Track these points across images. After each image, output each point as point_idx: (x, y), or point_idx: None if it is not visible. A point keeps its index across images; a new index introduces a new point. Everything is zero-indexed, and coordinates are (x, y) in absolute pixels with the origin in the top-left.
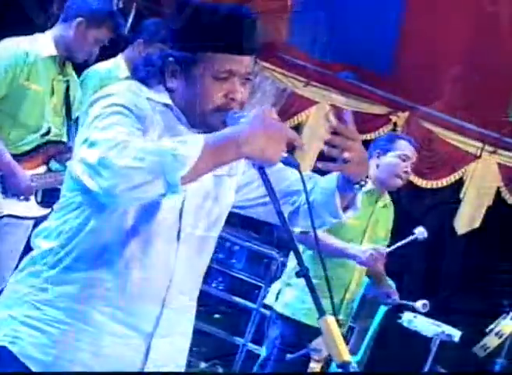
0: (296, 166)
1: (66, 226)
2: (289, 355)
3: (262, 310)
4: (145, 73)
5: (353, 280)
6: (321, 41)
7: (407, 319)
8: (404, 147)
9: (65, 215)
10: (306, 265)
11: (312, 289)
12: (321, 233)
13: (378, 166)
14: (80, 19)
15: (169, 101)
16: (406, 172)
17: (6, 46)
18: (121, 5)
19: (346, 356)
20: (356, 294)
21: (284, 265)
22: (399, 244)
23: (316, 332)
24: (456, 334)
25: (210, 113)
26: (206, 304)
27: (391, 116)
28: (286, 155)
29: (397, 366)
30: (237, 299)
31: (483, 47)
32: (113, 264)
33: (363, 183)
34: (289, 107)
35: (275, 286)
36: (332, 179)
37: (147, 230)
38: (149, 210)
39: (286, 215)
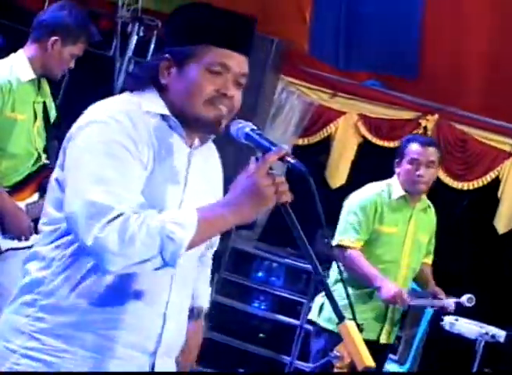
0: (304, 172)
1: (59, 254)
2: (311, 365)
3: (306, 326)
4: (143, 73)
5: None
6: (344, 52)
7: (448, 322)
8: (412, 150)
9: (56, 240)
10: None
11: (329, 296)
12: (358, 255)
13: (399, 174)
14: (54, 37)
15: (165, 111)
16: (419, 175)
17: None
18: (142, 34)
19: (369, 361)
20: None
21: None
22: (428, 302)
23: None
24: (501, 335)
25: (201, 107)
26: (249, 324)
27: (420, 120)
28: (294, 160)
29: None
30: (280, 317)
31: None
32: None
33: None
34: (317, 120)
35: (318, 300)
36: None
37: None
38: None
39: None
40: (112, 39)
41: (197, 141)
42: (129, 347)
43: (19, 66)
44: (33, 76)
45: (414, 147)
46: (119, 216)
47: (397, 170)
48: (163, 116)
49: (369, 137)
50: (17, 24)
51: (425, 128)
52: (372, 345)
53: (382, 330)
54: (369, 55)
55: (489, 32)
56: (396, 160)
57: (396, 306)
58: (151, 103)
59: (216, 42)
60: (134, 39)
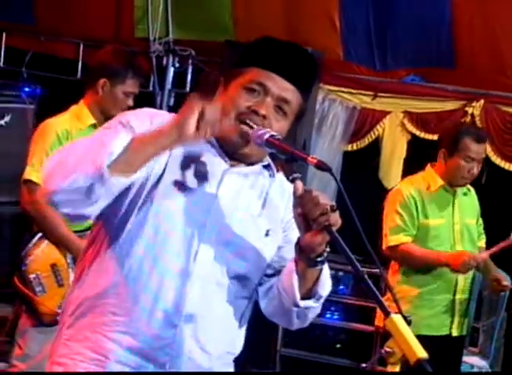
0: (330, 171)
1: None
2: (363, 365)
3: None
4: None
5: (459, 278)
6: (378, 52)
7: None
8: (468, 147)
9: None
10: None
11: (372, 292)
12: (410, 246)
13: (445, 166)
14: (102, 79)
15: None
16: (471, 173)
17: (46, 127)
18: (177, 65)
19: (421, 353)
20: (467, 293)
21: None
22: (494, 248)
23: (439, 340)
24: None
25: (229, 123)
26: (325, 336)
27: (466, 108)
28: (318, 160)
29: None
30: (354, 325)
31: None
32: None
33: (325, 254)
34: (363, 123)
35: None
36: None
37: (158, 265)
38: (160, 243)
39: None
40: (149, 75)
41: (243, 165)
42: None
43: (78, 114)
44: (92, 121)
45: (471, 144)
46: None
47: (441, 161)
48: None
49: (417, 132)
50: (54, 74)
51: (472, 115)
52: (445, 340)
53: (452, 323)
54: (404, 52)
55: None
56: (443, 150)
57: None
58: None
59: (261, 64)
60: (171, 71)
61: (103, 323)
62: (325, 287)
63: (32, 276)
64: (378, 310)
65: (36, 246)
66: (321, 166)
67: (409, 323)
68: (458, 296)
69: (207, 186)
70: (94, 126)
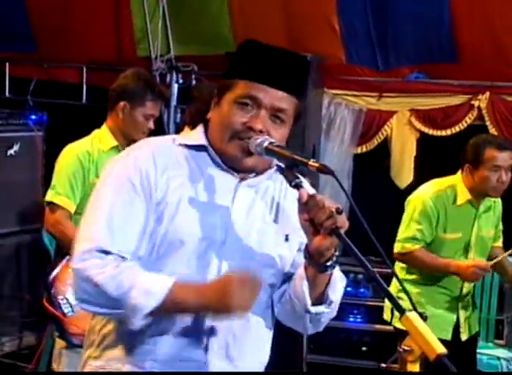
0: (332, 173)
1: None
2: (383, 365)
3: None
4: (195, 112)
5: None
6: (380, 52)
7: None
8: (492, 156)
9: None
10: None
11: (385, 291)
12: (421, 253)
13: (472, 180)
14: (122, 103)
15: (202, 142)
16: (503, 182)
17: (69, 151)
18: (180, 81)
19: (440, 349)
20: (471, 296)
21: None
22: (499, 257)
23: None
24: None
25: (227, 142)
26: (350, 340)
27: (472, 102)
28: (319, 164)
29: None
30: (378, 326)
31: None
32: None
33: (334, 259)
34: (371, 125)
35: (388, 302)
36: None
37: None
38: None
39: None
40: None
41: (252, 175)
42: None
43: (100, 136)
44: (114, 143)
45: (495, 153)
46: (106, 253)
47: (467, 175)
48: (202, 148)
49: (425, 130)
50: (59, 99)
51: (479, 108)
52: (453, 344)
53: (459, 328)
54: (405, 50)
55: None
56: (466, 166)
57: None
58: (190, 137)
59: (249, 76)
60: (175, 88)
61: (134, 353)
62: (336, 291)
63: (60, 297)
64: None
65: (64, 268)
66: (323, 170)
67: (425, 319)
68: (465, 290)
69: (221, 203)
70: (117, 147)
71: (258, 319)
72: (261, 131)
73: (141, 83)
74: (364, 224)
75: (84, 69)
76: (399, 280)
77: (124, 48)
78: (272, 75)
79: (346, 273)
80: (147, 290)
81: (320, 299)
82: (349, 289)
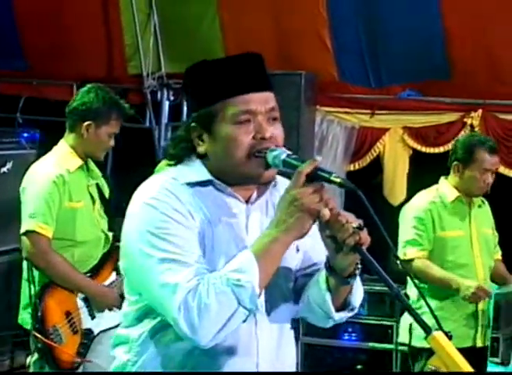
0: (356, 190)
1: (139, 334)
2: None
3: (401, 348)
4: (179, 150)
5: None
6: (372, 70)
7: None
8: (484, 159)
9: (136, 321)
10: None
11: (409, 308)
12: (426, 263)
13: (459, 178)
14: (87, 122)
15: (207, 177)
16: (487, 183)
17: (43, 176)
18: (172, 98)
19: (467, 368)
20: (489, 303)
21: (407, 297)
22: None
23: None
24: None
25: (245, 162)
26: (344, 358)
27: (465, 119)
28: (341, 179)
29: None
30: (373, 345)
31: None
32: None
33: (357, 272)
34: (363, 142)
35: (405, 321)
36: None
37: None
38: None
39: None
40: (144, 110)
41: (254, 194)
42: None
43: (64, 157)
44: (80, 162)
45: (486, 156)
46: (189, 291)
47: (456, 173)
48: (208, 182)
49: (418, 147)
50: (48, 117)
51: (472, 126)
52: (470, 352)
53: (476, 334)
54: (397, 67)
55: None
56: (455, 163)
57: (483, 300)
58: (191, 173)
59: (228, 94)
60: (166, 105)
61: None
62: (358, 297)
63: (50, 328)
64: (401, 327)
65: (49, 298)
66: (345, 185)
67: (450, 338)
68: (481, 306)
69: (235, 230)
70: (81, 167)
71: (288, 331)
72: (271, 137)
73: (107, 102)
74: (390, 243)
75: (75, 87)
76: (424, 298)
77: (115, 66)
78: (250, 81)
79: None
80: (236, 268)
81: (343, 304)
82: None
